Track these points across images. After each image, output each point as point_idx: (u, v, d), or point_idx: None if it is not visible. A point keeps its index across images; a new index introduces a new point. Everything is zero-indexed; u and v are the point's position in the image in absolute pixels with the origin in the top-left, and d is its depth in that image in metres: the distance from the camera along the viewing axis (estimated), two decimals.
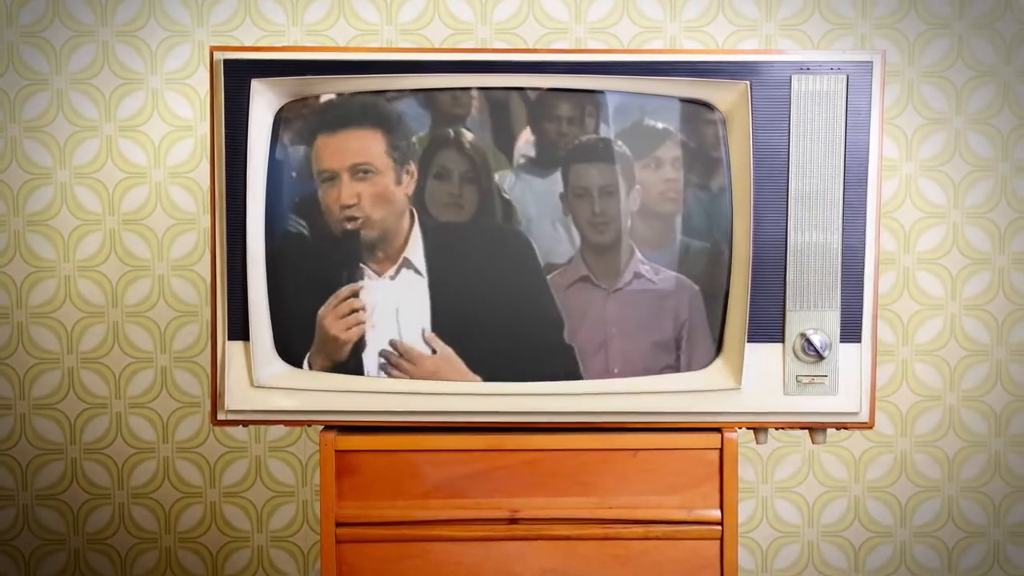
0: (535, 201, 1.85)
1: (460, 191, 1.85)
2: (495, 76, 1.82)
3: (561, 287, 1.85)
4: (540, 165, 1.85)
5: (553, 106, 1.84)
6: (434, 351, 1.86)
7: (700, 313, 1.86)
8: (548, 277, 1.85)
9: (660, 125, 1.85)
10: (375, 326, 1.87)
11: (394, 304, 1.86)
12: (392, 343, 1.87)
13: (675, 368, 1.87)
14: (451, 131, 1.84)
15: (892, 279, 2.71)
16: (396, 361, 1.87)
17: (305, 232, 1.86)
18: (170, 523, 2.75)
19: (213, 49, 1.84)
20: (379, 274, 1.86)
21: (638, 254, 1.86)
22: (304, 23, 2.65)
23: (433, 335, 1.86)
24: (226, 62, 1.83)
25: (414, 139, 1.84)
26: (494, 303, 1.86)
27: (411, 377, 1.87)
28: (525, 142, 1.85)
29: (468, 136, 1.85)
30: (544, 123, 1.84)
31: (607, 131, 1.85)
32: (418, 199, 1.85)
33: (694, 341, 1.86)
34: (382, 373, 1.87)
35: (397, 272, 1.86)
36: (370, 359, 1.87)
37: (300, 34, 2.65)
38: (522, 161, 1.85)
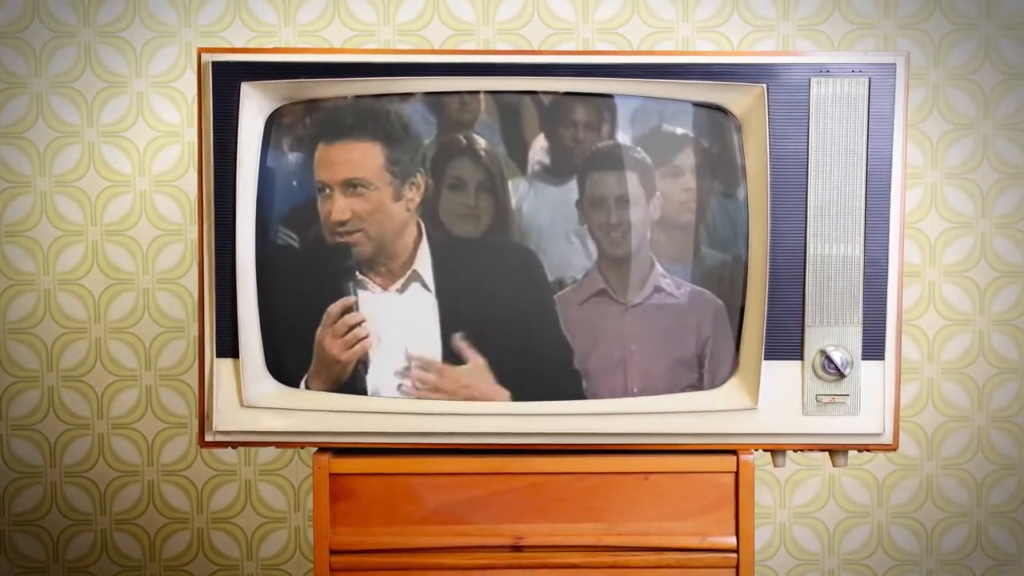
0: (549, 211, 1.84)
1: (477, 202, 1.84)
2: (498, 79, 1.83)
3: (576, 302, 1.85)
4: (555, 173, 1.84)
5: (568, 111, 1.84)
6: (464, 361, 1.85)
7: (725, 329, 1.86)
8: (557, 295, 1.85)
9: (678, 131, 1.85)
10: (381, 341, 1.86)
11: (402, 319, 1.86)
12: (411, 357, 1.85)
13: (698, 387, 1.86)
14: (463, 138, 1.84)
15: (916, 293, 2.71)
16: (420, 376, 1.85)
17: (295, 245, 1.86)
18: (155, 550, 2.74)
19: (201, 51, 1.84)
20: (384, 288, 1.85)
21: (658, 267, 1.85)
22: (297, 23, 2.65)
23: (464, 343, 1.84)
24: (215, 64, 1.83)
25: (422, 149, 1.84)
26: (503, 321, 1.86)
27: (439, 392, 1.85)
28: (540, 148, 1.84)
29: (481, 143, 1.84)
30: (559, 129, 1.84)
31: (625, 137, 1.84)
32: (429, 211, 1.84)
33: (718, 359, 1.86)
34: (400, 393, 1.85)
35: (405, 286, 1.85)
36: (380, 378, 1.86)
37: (293, 35, 2.66)
38: (536, 168, 1.84)
